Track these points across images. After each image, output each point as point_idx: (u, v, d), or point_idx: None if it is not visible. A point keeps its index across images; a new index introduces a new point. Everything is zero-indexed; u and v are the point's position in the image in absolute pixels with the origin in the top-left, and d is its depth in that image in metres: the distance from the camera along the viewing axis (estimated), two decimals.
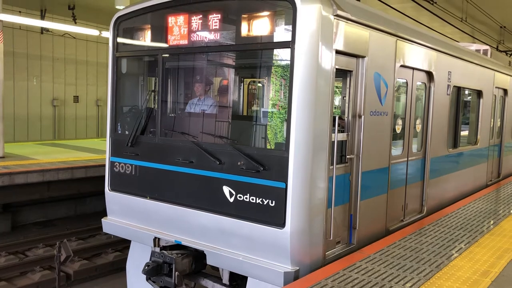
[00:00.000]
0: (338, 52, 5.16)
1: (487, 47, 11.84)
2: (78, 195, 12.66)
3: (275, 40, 5.21)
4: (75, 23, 17.97)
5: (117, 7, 13.76)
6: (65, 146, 15.15)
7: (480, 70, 9.89)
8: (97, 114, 23.18)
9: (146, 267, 5.80)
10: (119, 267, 9.33)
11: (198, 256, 5.85)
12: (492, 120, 11.06)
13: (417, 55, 6.99)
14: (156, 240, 6.12)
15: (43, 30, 20.01)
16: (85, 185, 11.73)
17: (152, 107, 6.53)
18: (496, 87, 11.07)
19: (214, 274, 6.17)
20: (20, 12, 18.24)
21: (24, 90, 20.01)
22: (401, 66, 6.51)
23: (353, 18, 5.30)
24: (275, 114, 5.45)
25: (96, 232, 10.98)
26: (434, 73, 7.50)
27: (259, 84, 7.35)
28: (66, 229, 11.62)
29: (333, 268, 5.00)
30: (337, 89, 6.58)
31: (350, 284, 4.59)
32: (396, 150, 6.78)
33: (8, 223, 11.53)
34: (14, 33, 18.91)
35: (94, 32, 15.83)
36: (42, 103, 20.79)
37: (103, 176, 6.91)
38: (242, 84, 7.20)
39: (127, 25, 6.62)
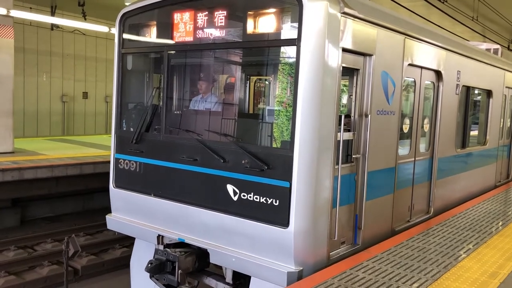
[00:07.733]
0: (345, 50, 5.10)
1: (498, 46, 11.70)
2: (86, 191, 12.72)
3: (281, 37, 5.17)
4: (85, 19, 18.02)
5: (127, 3, 13.76)
6: (74, 142, 15.23)
7: (490, 70, 9.76)
8: (106, 110, 23.27)
9: (149, 265, 5.81)
10: (126, 263, 9.27)
11: (202, 255, 5.82)
12: (501, 120, 10.92)
13: (425, 54, 6.90)
14: (160, 238, 6.12)
15: (53, 27, 20.13)
16: (93, 181, 11.77)
17: (157, 104, 6.52)
18: (506, 87, 10.92)
19: (218, 272, 6.16)
20: (30, 8, 18.35)
21: (34, 86, 20.17)
22: (409, 64, 6.43)
23: (360, 15, 5.24)
24: (280, 112, 5.41)
25: (104, 228, 10.88)
26: (443, 72, 7.41)
27: (265, 82, 7.30)
28: (74, 224, 11.70)
29: (340, 267, 4.97)
30: (343, 88, 6.52)
31: (357, 283, 4.55)
32: (403, 150, 6.71)
33: (17, 217, 11.65)
34: (25, 29, 19.05)
35: (103, 28, 15.87)
36: (51, 99, 20.93)
37: None
38: (247, 81, 7.15)
39: (133, 21, 6.62)
